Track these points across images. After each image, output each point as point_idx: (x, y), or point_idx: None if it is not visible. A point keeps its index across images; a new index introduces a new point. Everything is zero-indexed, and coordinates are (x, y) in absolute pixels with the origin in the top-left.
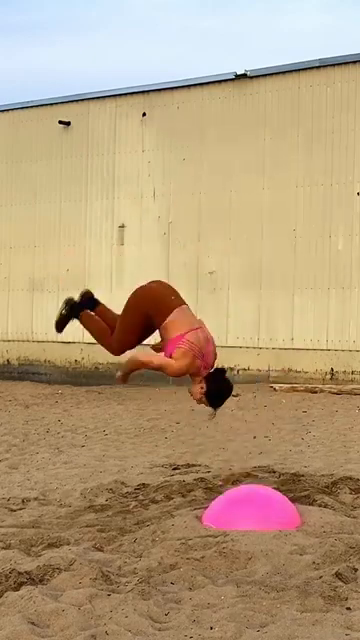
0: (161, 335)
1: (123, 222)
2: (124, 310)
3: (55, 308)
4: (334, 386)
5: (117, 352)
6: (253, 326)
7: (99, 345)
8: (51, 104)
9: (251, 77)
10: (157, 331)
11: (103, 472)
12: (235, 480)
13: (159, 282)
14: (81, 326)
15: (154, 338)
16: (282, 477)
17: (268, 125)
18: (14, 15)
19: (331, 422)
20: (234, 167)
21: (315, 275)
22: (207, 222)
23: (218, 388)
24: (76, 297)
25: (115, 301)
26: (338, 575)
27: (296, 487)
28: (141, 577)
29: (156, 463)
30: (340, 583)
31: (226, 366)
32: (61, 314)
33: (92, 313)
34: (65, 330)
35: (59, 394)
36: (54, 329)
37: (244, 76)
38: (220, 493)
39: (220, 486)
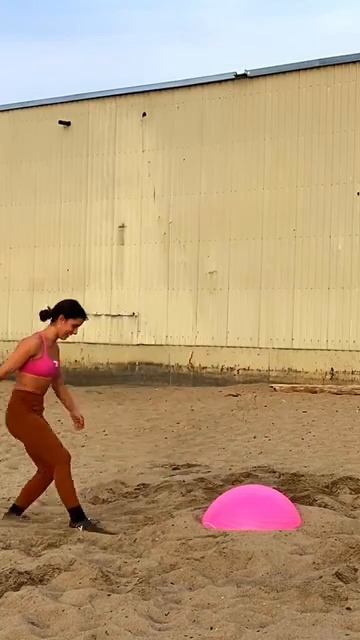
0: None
1: (123, 222)
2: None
3: None
4: (334, 386)
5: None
6: (253, 326)
7: (99, 345)
8: (51, 104)
9: (251, 77)
10: None
11: (103, 472)
12: (235, 480)
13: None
14: (81, 326)
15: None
16: (282, 477)
17: (268, 125)
18: (20, 17)
19: (331, 422)
20: (234, 167)
21: (315, 275)
22: (207, 222)
23: None
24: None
25: (114, 301)
26: (338, 575)
27: (296, 487)
28: (141, 577)
29: (156, 463)
30: (340, 583)
31: (226, 366)
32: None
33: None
34: None
35: None
36: None
37: (244, 76)
38: (220, 493)
39: (220, 486)
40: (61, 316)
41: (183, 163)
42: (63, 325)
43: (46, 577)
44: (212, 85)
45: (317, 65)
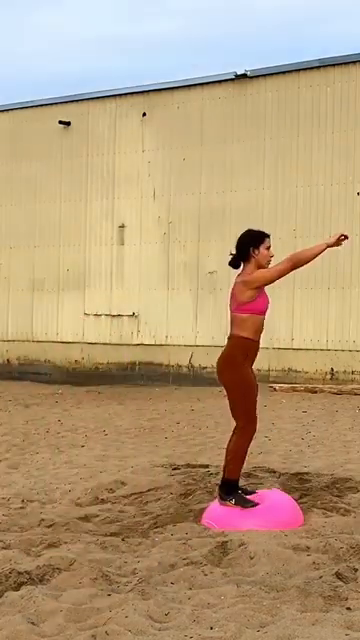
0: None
1: (123, 222)
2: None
3: (55, 308)
4: (334, 386)
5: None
6: None
7: (99, 345)
8: (51, 104)
9: (251, 77)
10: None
11: (103, 472)
12: None
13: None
14: (81, 326)
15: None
16: (282, 477)
17: (268, 125)
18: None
19: (331, 422)
20: (234, 167)
21: (315, 275)
22: (207, 222)
23: None
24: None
25: (114, 301)
26: (338, 575)
27: (296, 487)
28: (141, 577)
29: (156, 463)
30: (340, 583)
31: None
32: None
33: None
34: (65, 330)
35: (59, 394)
36: None
37: (244, 76)
38: None
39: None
40: (251, 249)
41: (183, 163)
42: (260, 255)
43: (46, 577)
44: (212, 85)
45: (317, 65)
